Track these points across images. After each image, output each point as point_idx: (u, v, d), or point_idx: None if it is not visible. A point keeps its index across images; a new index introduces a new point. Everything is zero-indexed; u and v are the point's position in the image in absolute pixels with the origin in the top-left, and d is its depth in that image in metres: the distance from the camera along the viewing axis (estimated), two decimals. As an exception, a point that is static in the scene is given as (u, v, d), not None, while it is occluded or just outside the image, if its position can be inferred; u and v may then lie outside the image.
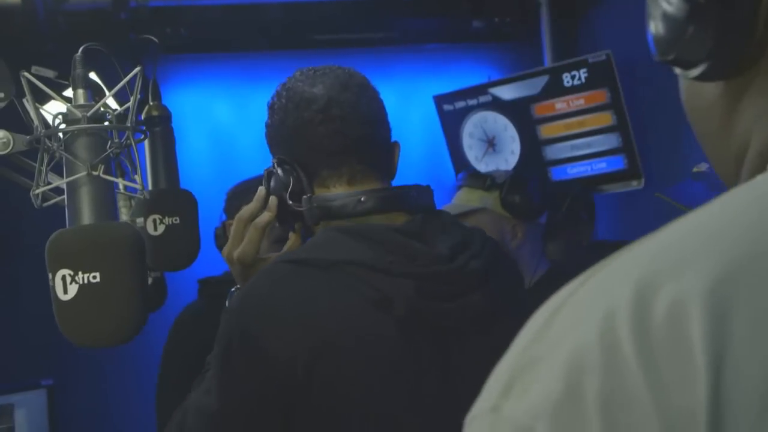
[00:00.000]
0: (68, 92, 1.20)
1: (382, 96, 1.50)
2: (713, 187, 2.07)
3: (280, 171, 1.42)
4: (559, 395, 0.49)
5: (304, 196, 1.39)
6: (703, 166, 2.12)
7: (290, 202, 1.41)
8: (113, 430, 3.37)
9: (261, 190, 1.46)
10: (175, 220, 1.53)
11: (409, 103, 3.57)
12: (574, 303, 0.53)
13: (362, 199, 1.37)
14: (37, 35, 3.00)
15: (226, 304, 1.50)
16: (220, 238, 2.46)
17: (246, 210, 1.46)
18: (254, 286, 1.31)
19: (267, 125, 1.48)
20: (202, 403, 1.31)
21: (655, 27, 0.66)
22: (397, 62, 3.64)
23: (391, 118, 3.65)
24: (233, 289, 1.52)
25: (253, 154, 3.60)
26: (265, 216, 1.44)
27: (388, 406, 1.28)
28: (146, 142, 1.54)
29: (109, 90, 1.23)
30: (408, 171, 3.35)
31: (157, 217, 1.51)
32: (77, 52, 1.18)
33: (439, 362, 1.31)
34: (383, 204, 1.39)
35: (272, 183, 1.45)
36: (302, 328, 1.25)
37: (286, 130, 1.42)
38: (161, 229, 1.51)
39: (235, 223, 1.47)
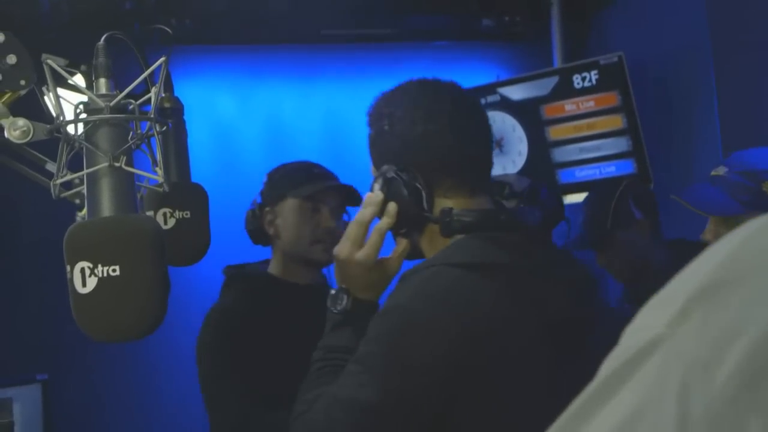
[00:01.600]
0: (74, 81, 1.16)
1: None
2: (731, 190, 2.03)
3: (403, 179, 1.45)
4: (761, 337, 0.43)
5: (443, 208, 1.44)
6: (721, 170, 2.07)
7: (424, 211, 1.45)
8: (106, 424, 3.35)
9: (378, 194, 1.47)
10: (186, 214, 1.50)
11: (415, 100, 3.53)
12: None
13: (502, 217, 1.45)
14: (40, 24, 2.96)
15: (334, 305, 1.54)
16: (251, 221, 2.35)
17: (367, 214, 1.48)
18: (421, 286, 1.35)
19: (383, 133, 1.51)
20: (356, 397, 1.32)
21: None
22: (404, 59, 3.60)
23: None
24: (333, 292, 1.55)
25: (257, 148, 3.57)
26: (386, 222, 1.47)
27: (538, 398, 1.32)
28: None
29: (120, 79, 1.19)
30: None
31: (167, 210, 1.47)
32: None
33: (575, 366, 1.40)
34: (515, 221, 1.47)
35: (392, 190, 1.46)
36: (465, 327, 1.30)
37: (410, 140, 1.46)
38: (171, 223, 1.48)
39: (355, 226, 1.49)
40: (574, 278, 1.43)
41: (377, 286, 1.52)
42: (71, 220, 1.26)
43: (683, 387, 0.45)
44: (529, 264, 1.39)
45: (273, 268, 2.32)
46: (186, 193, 1.51)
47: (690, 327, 0.46)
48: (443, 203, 1.45)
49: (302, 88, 3.64)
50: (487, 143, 1.52)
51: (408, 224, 1.48)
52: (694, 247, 2.81)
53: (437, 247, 1.45)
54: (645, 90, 3.09)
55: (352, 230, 1.49)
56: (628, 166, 3.10)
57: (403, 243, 1.52)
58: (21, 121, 1.12)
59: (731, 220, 2.01)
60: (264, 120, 3.61)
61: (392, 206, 1.45)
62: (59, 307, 3.43)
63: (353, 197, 2.30)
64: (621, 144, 3.11)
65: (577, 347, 1.37)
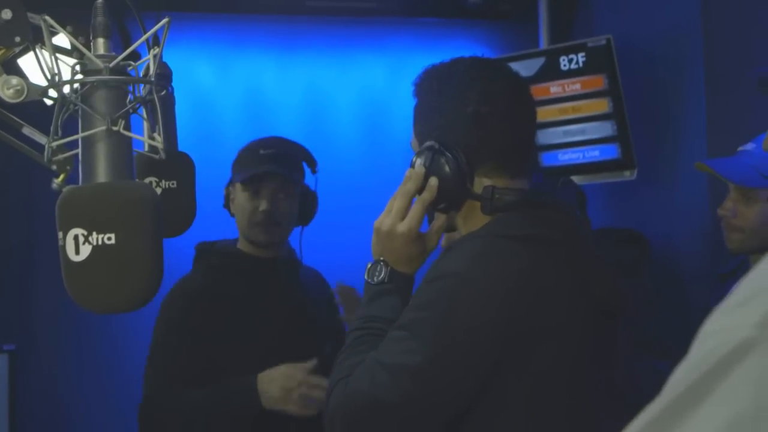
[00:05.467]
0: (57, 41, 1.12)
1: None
2: (757, 164, 2.08)
3: (448, 155, 1.46)
4: None
5: (485, 186, 1.46)
6: (749, 146, 2.15)
7: (466, 188, 1.47)
8: (73, 395, 3.30)
9: (421, 169, 1.48)
10: (173, 184, 1.47)
11: (398, 77, 3.48)
12: None
13: (543, 197, 1.49)
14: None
15: (371, 277, 1.56)
16: (226, 198, 2.42)
17: (410, 187, 1.49)
18: (475, 255, 1.39)
19: (432, 109, 1.52)
20: (403, 362, 1.35)
21: None
22: (389, 34, 3.57)
23: (379, 92, 3.54)
24: (370, 264, 1.57)
25: (236, 119, 3.52)
26: (427, 195, 1.48)
27: (578, 369, 1.40)
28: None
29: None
30: (395, 147, 3.30)
31: (153, 180, 1.45)
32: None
33: (612, 338, 1.48)
34: (554, 201, 1.52)
35: (434, 165, 1.48)
36: (516, 295, 1.35)
37: (460, 119, 1.47)
38: (157, 192, 1.44)
39: (398, 199, 1.51)
40: (606, 255, 1.50)
41: (416, 259, 1.54)
42: (43, 187, 1.22)
43: None
44: (571, 240, 1.43)
45: (240, 244, 2.40)
46: (173, 162, 1.48)
47: None
48: (483, 183, 1.47)
49: (284, 59, 3.58)
50: (533, 129, 1.56)
51: (448, 200, 1.50)
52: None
53: (472, 223, 1.49)
54: (632, 74, 3.08)
55: (394, 203, 1.51)
56: (612, 151, 3.09)
57: (441, 218, 1.55)
58: (15, 80, 1.07)
59: (752, 192, 2.10)
60: (243, 91, 3.55)
61: (433, 181, 1.47)
62: (28, 277, 3.36)
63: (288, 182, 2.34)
64: (606, 128, 3.09)
65: (615, 322, 1.46)
